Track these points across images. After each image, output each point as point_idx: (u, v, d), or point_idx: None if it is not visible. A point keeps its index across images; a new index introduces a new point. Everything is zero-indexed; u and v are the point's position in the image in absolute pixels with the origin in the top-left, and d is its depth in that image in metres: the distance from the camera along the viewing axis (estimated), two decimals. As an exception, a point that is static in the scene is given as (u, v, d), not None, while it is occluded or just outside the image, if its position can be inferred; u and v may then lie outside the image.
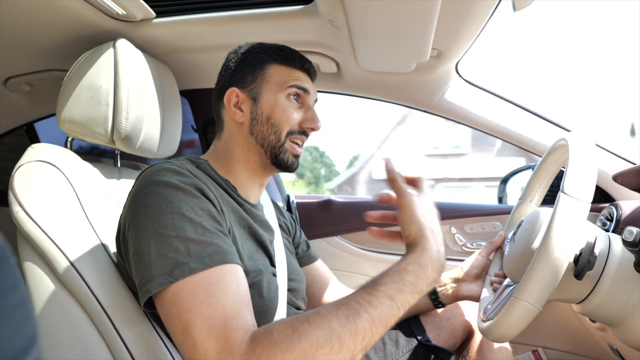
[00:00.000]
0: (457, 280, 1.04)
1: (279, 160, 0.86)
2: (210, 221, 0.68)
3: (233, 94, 0.86)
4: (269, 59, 0.87)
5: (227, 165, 0.87)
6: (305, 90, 0.87)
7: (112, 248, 0.81)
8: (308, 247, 1.10)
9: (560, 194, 0.68)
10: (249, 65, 0.87)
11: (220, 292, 0.61)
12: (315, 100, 0.92)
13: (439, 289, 1.06)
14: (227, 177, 0.85)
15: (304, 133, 0.88)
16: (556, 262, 0.66)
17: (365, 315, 0.58)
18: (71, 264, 0.75)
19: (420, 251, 0.65)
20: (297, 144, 0.87)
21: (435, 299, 1.06)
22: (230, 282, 0.63)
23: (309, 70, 0.91)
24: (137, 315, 0.76)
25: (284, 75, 0.87)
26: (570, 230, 0.66)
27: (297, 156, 0.88)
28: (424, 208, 0.69)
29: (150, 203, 0.67)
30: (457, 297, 1.04)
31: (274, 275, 0.84)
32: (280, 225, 1.01)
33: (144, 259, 0.64)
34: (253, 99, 0.86)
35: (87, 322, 0.75)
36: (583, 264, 0.72)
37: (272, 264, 0.85)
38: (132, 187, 0.73)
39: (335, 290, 1.10)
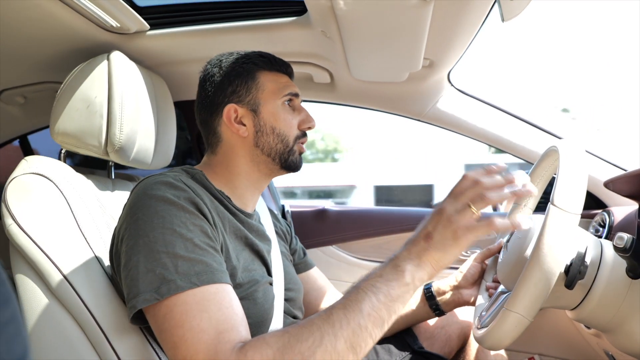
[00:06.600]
0: (455, 287, 1.03)
1: (289, 163, 0.88)
2: (202, 237, 0.67)
3: (232, 110, 0.85)
4: (257, 67, 0.87)
5: (227, 177, 0.86)
6: (297, 95, 0.89)
7: (106, 260, 0.81)
8: (304, 254, 1.10)
9: (550, 205, 0.69)
10: (238, 77, 0.86)
11: (214, 307, 0.61)
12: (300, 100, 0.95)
13: (438, 298, 1.04)
14: (223, 188, 0.84)
15: (305, 134, 0.91)
16: (546, 274, 0.66)
17: (339, 305, 0.62)
18: (64, 276, 0.74)
19: (400, 251, 0.67)
20: (302, 143, 0.90)
21: (436, 307, 1.04)
22: (223, 297, 0.63)
23: (291, 73, 0.93)
24: (130, 328, 0.75)
25: (275, 82, 0.88)
26: (560, 242, 0.67)
27: (302, 154, 0.91)
28: (442, 219, 0.65)
29: (142, 217, 0.67)
30: (457, 304, 1.03)
31: (271, 284, 0.83)
32: (277, 232, 1.00)
33: (133, 274, 0.64)
34: (253, 111, 0.85)
35: (79, 335, 0.74)
36: (574, 274, 0.72)
37: (269, 274, 0.85)
38: (127, 199, 0.73)
39: (332, 299, 1.09)
